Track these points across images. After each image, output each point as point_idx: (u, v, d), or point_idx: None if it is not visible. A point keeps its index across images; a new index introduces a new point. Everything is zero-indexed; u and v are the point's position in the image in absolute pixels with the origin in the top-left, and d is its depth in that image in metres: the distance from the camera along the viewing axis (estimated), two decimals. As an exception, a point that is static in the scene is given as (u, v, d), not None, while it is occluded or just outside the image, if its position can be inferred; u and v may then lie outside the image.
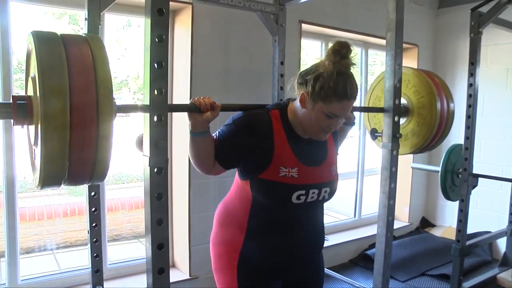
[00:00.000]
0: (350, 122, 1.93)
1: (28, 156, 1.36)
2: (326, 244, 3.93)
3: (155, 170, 1.36)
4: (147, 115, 1.34)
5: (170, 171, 3.24)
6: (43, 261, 4.07)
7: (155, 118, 1.34)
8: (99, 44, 1.17)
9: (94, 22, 2.08)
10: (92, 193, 2.20)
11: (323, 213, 1.76)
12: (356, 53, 1.52)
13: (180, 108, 1.66)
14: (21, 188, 6.05)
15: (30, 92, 1.13)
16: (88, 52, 1.10)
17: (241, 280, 1.61)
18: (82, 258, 3.93)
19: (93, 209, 2.20)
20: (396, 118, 2.07)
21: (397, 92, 2.06)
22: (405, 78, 2.32)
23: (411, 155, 4.65)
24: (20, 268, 2.75)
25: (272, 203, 1.57)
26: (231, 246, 1.64)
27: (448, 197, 3.19)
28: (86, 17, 2.07)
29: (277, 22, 2.79)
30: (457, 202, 3.07)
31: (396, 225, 4.68)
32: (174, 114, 3.17)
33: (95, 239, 2.20)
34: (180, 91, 3.11)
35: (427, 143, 2.30)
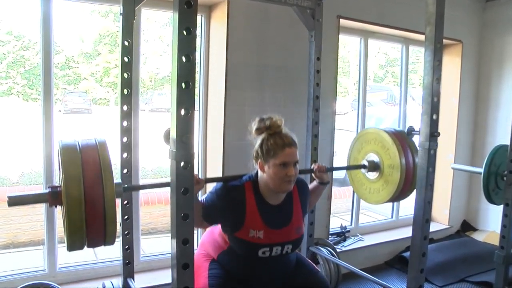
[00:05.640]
0: (324, 182, 2.34)
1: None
2: (361, 244, 3.87)
3: (181, 164, 1.36)
4: (174, 108, 1.34)
5: (204, 166, 3.26)
6: (83, 251, 4.19)
7: (182, 112, 1.33)
8: (104, 149, 1.62)
9: (129, 17, 2.11)
10: (125, 186, 2.24)
11: (289, 256, 2.09)
12: (276, 119, 1.95)
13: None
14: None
15: (61, 181, 1.57)
16: (96, 156, 1.57)
17: (211, 268, 2.01)
18: (118, 250, 4.03)
19: (125, 202, 2.23)
20: (434, 116, 1.98)
21: (435, 89, 1.97)
22: (376, 138, 2.67)
23: (453, 156, 4.49)
24: (59, 256, 2.84)
25: (242, 253, 1.97)
26: (208, 256, 2.09)
27: (491, 200, 3.04)
28: (121, 12, 2.10)
29: (314, 17, 2.75)
30: (501, 206, 2.92)
31: (436, 227, 4.53)
32: (210, 109, 3.19)
33: (126, 232, 2.24)
34: (216, 86, 3.12)
35: (397, 194, 2.58)
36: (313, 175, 2.37)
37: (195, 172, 1.50)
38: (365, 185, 2.78)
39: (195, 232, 3.05)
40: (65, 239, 1.53)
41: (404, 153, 2.51)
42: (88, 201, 1.48)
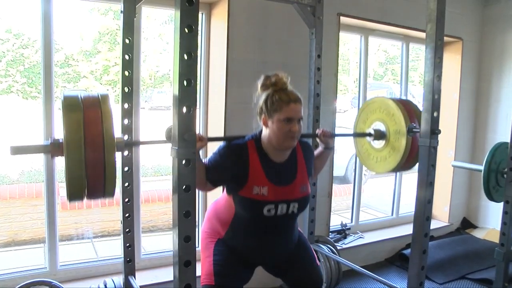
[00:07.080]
0: (329, 147, 2.32)
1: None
2: (362, 241, 3.87)
3: (183, 162, 1.36)
4: (176, 106, 1.34)
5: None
6: (83, 249, 4.20)
7: (184, 110, 1.34)
8: (106, 101, 1.62)
9: (129, 15, 2.11)
10: (126, 184, 2.24)
11: (295, 225, 2.11)
12: (282, 76, 1.95)
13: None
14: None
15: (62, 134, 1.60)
16: (98, 111, 1.58)
17: (216, 253, 1.99)
18: (119, 248, 4.04)
19: (126, 200, 2.24)
20: (435, 114, 1.98)
21: (436, 87, 1.97)
22: (381, 106, 2.66)
23: (453, 153, 4.50)
24: (60, 254, 2.85)
25: (248, 214, 1.94)
26: (214, 233, 2.06)
27: (491, 197, 3.04)
28: (122, 10, 2.10)
29: (314, 15, 2.75)
30: (501, 203, 2.92)
31: (436, 225, 4.53)
32: (210, 106, 3.18)
33: (127, 230, 2.25)
34: (216, 84, 3.11)
35: (404, 160, 2.54)
36: (317, 140, 2.35)
37: (197, 131, 1.49)
38: (372, 155, 2.77)
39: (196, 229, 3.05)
40: (66, 189, 1.55)
41: (409, 117, 2.49)
42: (88, 149, 1.51)
